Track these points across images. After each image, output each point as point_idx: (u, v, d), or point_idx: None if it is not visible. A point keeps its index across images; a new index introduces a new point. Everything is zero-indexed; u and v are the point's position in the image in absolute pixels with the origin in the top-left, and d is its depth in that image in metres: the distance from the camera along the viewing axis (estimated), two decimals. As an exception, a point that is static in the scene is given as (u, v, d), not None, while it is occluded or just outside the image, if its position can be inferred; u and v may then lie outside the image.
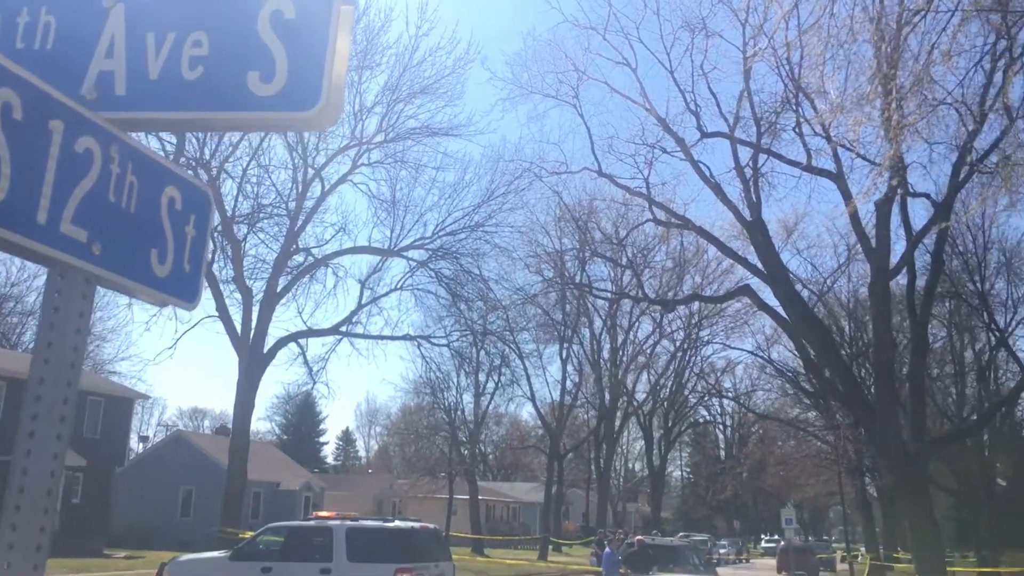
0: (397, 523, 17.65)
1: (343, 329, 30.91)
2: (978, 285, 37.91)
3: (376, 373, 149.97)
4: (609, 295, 45.60)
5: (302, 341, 30.55)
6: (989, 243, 38.60)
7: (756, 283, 25.45)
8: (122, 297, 29.66)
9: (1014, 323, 40.12)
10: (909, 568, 49.87)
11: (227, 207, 28.60)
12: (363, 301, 30.88)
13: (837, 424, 43.59)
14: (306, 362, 30.41)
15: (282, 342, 29.68)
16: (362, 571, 15.86)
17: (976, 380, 46.38)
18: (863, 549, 54.23)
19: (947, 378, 46.89)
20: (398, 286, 31.63)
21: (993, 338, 41.53)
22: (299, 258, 30.71)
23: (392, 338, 31.81)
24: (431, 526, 17.86)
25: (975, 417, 42.96)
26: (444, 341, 34.26)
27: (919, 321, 22.35)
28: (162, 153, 27.08)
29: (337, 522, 16.92)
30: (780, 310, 23.55)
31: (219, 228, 28.40)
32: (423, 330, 35.32)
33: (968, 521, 52.40)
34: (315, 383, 30.93)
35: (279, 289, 29.58)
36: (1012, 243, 41.44)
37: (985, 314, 38.54)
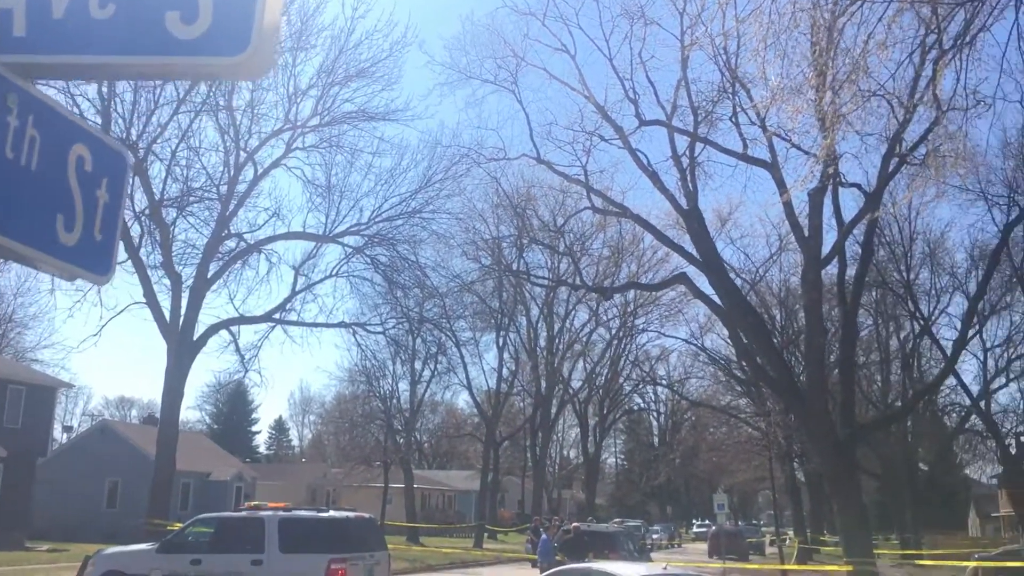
0: (331, 513, 17.36)
1: (276, 316, 30.32)
2: (904, 275, 38.93)
3: (310, 361, 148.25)
4: (547, 282, 45.64)
5: (234, 328, 29.89)
6: (915, 234, 39.71)
7: (692, 271, 25.66)
8: (44, 282, 28.69)
9: (937, 312, 41.35)
10: (835, 551, 51.25)
11: (155, 190, 27.77)
12: (297, 288, 30.34)
13: (768, 411, 44.38)
14: (238, 350, 29.78)
15: (213, 329, 28.98)
16: (295, 562, 15.55)
17: (901, 368, 47.76)
18: (791, 533, 55.41)
19: (872, 365, 48.14)
20: (333, 273, 31.14)
21: (917, 326, 42.73)
22: (231, 243, 30.01)
23: (327, 325, 31.34)
24: (366, 515, 17.60)
25: (900, 404, 44.23)
26: (380, 329, 33.89)
27: (849, 309, 22.79)
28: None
29: (269, 512, 16.55)
30: (715, 298, 23.78)
31: (147, 212, 27.56)
32: (358, 317, 34.86)
33: (891, 505, 54.04)
34: (247, 371, 30.33)
35: (210, 275, 28.85)
36: (936, 234, 42.71)
37: (910, 303, 39.58)
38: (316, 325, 30.86)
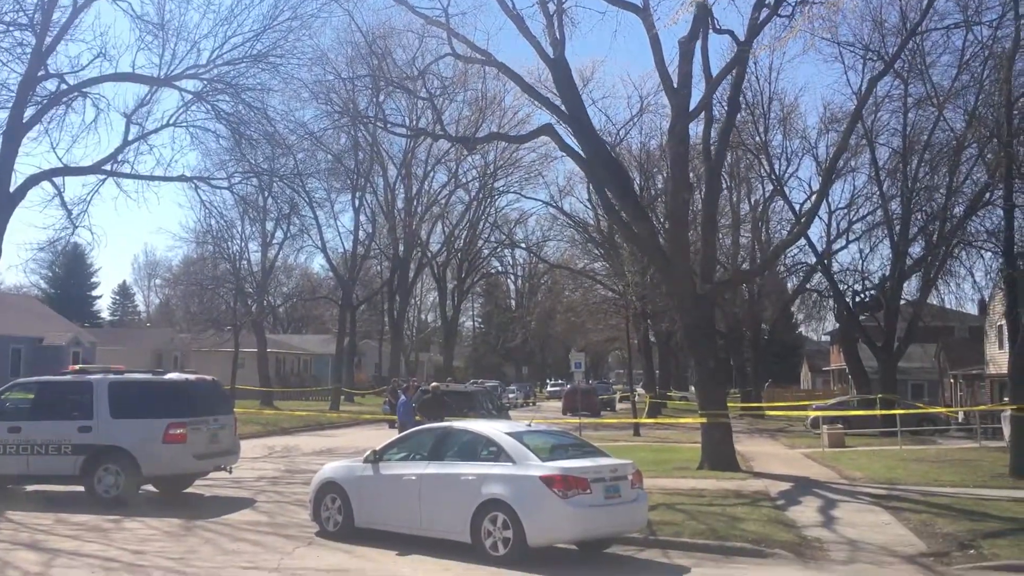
0: (170, 376, 16.07)
1: (107, 168, 27.46)
2: (761, 136, 39.41)
3: (151, 221, 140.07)
4: (405, 131, 43.83)
5: (58, 180, 26.86)
6: (773, 95, 40.12)
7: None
8: None
9: (787, 175, 42.35)
10: (682, 404, 53.74)
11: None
12: (130, 137, 27.41)
13: (624, 273, 45.03)
14: (64, 204, 26.88)
15: (32, 180, 25.96)
16: (128, 428, 14.33)
17: (751, 230, 49.29)
18: (642, 389, 57.55)
19: (723, 229, 49.36)
20: (170, 122, 28.24)
21: (770, 187, 43.78)
22: (50, 85, 26.66)
23: (165, 179, 28.61)
24: (208, 378, 16.39)
25: (747, 266, 45.72)
26: (225, 184, 31.44)
27: (713, 165, 22.54)
28: None
29: (98, 376, 15.12)
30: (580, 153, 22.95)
31: (-58, 42, 24.04)
32: (202, 173, 32.22)
33: (734, 361, 56.86)
34: (75, 228, 27.51)
35: (26, 119, 25.63)
36: (791, 99, 43.39)
37: (765, 163, 40.27)
38: (153, 178, 28.14)
